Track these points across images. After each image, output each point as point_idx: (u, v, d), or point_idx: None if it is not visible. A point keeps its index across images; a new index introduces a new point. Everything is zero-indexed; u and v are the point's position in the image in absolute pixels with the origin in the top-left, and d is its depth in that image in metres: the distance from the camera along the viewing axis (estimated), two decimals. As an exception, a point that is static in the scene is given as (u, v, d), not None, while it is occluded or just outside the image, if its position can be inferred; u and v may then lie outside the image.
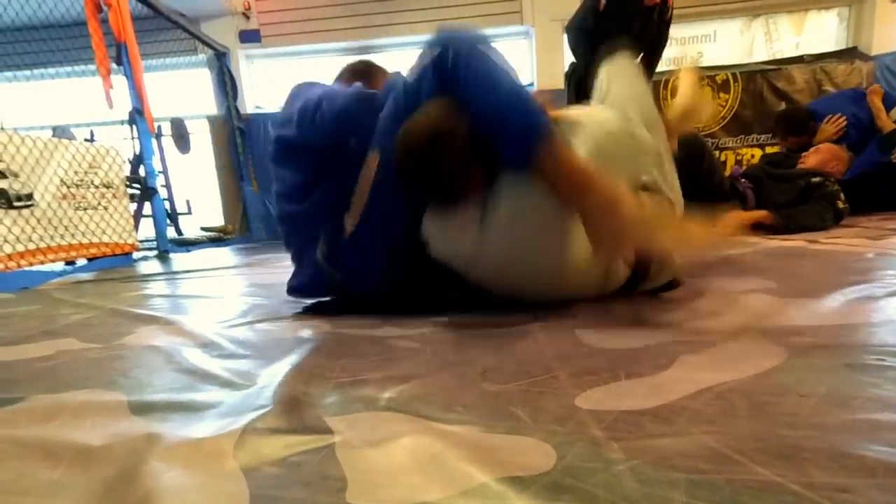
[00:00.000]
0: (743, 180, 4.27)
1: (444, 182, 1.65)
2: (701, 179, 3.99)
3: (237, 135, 7.97)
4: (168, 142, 7.00)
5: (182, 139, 7.07)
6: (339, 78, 2.24)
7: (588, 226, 1.53)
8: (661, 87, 7.33)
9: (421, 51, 1.67)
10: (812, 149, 4.48)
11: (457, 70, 1.57)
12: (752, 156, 7.61)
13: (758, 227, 3.82)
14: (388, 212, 1.78)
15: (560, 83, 8.31)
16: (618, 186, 1.53)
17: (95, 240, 4.72)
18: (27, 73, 8.34)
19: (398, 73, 1.95)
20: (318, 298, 2.16)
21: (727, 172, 4.58)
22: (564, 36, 8.63)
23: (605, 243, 1.55)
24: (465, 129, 1.56)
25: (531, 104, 1.55)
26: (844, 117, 4.82)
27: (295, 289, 2.08)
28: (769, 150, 7.40)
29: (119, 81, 5.27)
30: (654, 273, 1.89)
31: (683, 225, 1.61)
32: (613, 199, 1.48)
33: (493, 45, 1.65)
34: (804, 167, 4.26)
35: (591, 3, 3.80)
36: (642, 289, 1.93)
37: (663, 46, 3.96)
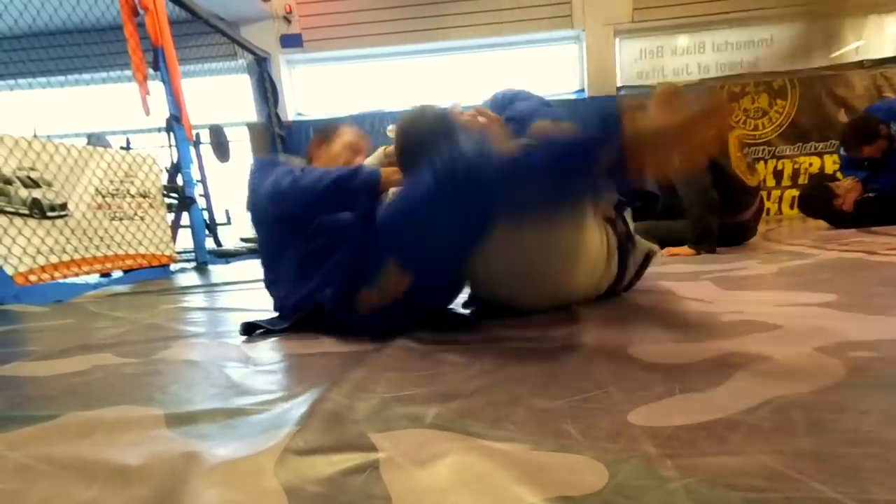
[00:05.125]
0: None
1: None
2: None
3: (278, 142, 8.05)
4: (207, 150, 7.09)
5: (221, 147, 7.15)
6: None
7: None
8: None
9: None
10: None
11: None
12: (811, 164, 7.54)
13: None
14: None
15: (611, 89, 8.34)
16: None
17: (132, 251, 4.81)
18: (61, 78, 8.51)
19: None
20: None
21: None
22: (616, 41, 8.71)
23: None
24: None
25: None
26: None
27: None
28: (828, 158, 7.34)
29: (156, 87, 5.37)
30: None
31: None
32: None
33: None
34: None
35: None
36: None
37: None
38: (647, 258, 2.25)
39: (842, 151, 5.19)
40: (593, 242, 1.95)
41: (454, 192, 1.51)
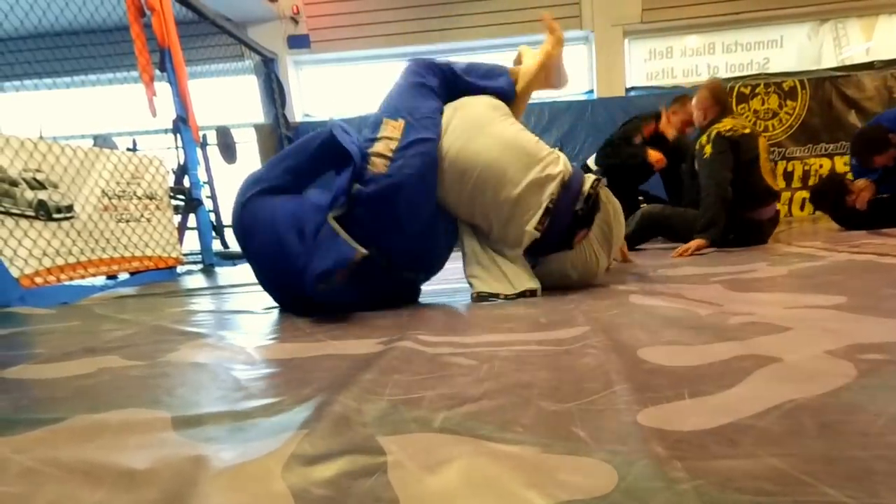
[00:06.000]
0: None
1: None
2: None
3: (285, 144, 8.04)
4: (213, 151, 7.11)
5: (228, 148, 7.16)
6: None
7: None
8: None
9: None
10: None
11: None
12: (821, 166, 7.55)
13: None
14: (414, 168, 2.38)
15: (620, 90, 8.35)
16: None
17: (138, 253, 4.83)
18: (67, 79, 8.55)
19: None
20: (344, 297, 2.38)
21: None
22: (625, 41, 8.72)
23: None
24: None
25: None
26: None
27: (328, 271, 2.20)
28: (838, 159, 7.36)
29: (163, 88, 5.39)
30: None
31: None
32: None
33: None
34: None
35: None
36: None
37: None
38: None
39: (853, 161, 5.22)
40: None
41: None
